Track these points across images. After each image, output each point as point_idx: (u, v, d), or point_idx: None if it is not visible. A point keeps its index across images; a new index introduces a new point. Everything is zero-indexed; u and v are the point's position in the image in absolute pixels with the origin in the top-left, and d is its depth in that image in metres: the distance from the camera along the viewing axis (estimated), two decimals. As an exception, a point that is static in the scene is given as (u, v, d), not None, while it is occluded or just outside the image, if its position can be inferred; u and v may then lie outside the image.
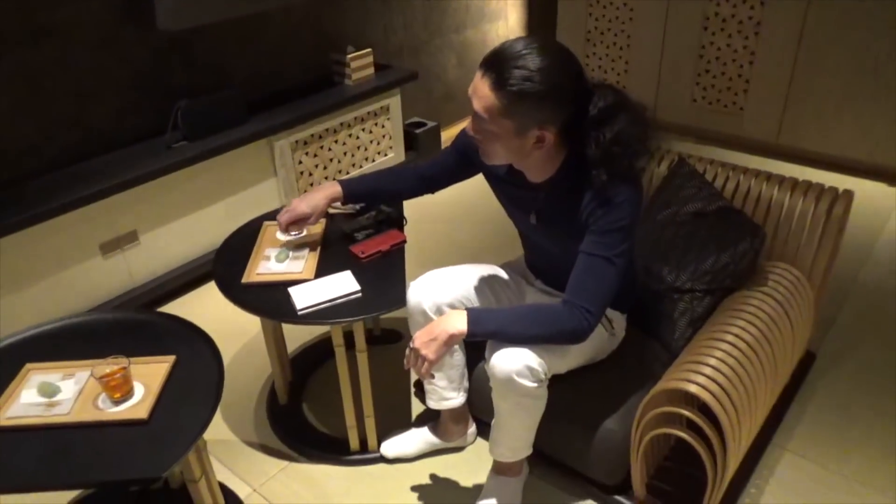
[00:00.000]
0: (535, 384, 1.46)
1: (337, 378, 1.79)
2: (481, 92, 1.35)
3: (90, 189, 2.24)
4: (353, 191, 1.81)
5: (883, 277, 2.57)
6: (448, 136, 3.77)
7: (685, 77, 3.62)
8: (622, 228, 1.40)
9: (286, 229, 1.79)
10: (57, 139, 2.40)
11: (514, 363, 1.43)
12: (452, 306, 1.65)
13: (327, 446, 1.93)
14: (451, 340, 1.42)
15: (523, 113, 1.34)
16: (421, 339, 1.43)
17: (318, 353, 2.29)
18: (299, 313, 1.60)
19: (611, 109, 1.38)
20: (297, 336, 2.34)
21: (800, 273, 1.84)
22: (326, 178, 3.01)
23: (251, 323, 2.42)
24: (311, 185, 2.96)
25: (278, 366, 2.01)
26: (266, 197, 2.80)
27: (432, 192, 1.84)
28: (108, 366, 1.35)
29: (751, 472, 1.81)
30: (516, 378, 1.44)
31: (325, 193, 1.79)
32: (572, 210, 1.46)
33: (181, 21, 2.29)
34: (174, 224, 2.54)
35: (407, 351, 1.47)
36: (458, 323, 1.42)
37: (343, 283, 1.68)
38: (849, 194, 1.83)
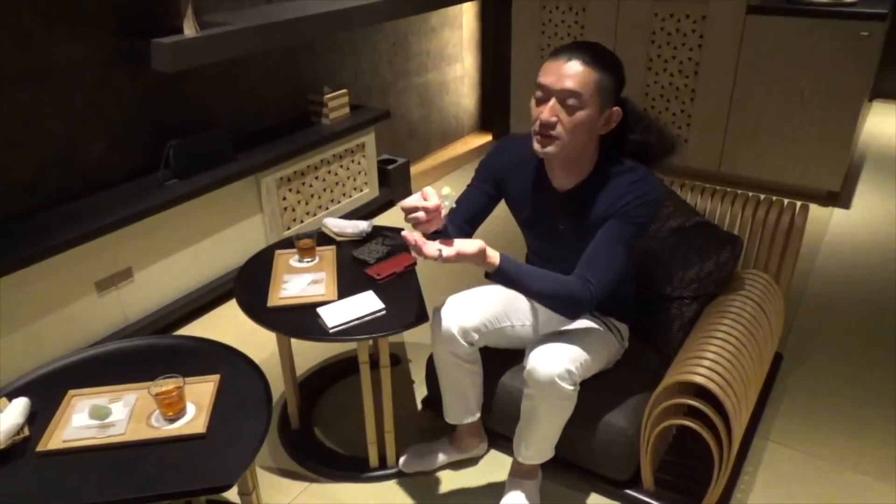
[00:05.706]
0: (572, 387, 1.59)
1: (344, 401, 1.86)
2: (573, 70, 1.48)
3: (85, 228, 2.26)
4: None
5: (828, 285, 2.86)
6: (416, 170, 3.92)
7: (633, 113, 3.92)
8: (641, 225, 1.57)
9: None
10: (51, 178, 2.41)
11: (555, 367, 1.56)
12: (477, 329, 1.74)
13: (345, 465, 1.99)
14: (478, 259, 1.47)
15: (607, 89, 1.52)
16: (460, 244, 1.46)
17: (321, 379, 2.34)
18: (331, 331, 1.68)
19: (637, 113, 1.64)
20: (297, 365, 2.39)
21: (770, 277, 2.06)
22: (308, 213, 3.09)
23: (253, 351, 2.44)
24: (294, 220, 3.04)
25: (292, 391, 2.06)
26: (252, 232, 2.86)
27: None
28: (164, 384, 1.40)
29: (741, 463, 1.98)
30: (558, 381, 1.56)
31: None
32: (603, 206, 1.59)
33: (176, 63, 2.36)
34: (167, 260, 2.56)
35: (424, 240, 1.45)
36: (494, 257, 1.50)
37: (368, 302, 1.77)
38: (806, 208, 2.07)
